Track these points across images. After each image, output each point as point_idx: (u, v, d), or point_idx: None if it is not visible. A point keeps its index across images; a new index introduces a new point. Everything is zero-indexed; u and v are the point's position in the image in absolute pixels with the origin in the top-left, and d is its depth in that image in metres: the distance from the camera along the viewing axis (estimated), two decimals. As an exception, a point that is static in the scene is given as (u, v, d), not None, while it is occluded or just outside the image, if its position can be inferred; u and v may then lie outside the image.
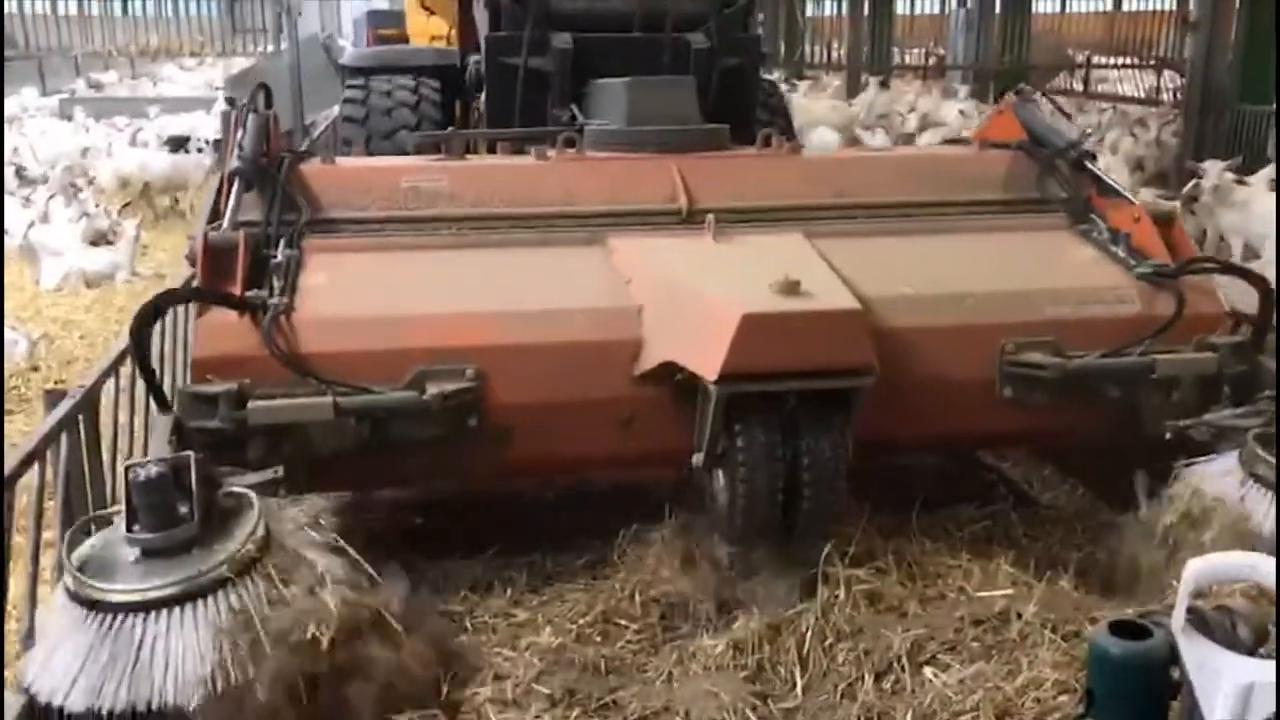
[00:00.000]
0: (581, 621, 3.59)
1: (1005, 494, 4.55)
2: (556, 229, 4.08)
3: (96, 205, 10.85)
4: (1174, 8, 17.61)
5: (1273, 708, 1.72)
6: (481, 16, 5.86)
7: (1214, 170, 8.98)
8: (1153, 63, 17.15)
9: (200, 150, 13.02)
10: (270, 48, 15.23)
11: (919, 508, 4.14)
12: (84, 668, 2.58)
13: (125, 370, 3.83)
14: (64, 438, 3.29)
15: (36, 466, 3.14)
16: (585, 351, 3.54)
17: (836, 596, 3.43)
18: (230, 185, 3.89)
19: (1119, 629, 1.95)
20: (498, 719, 3.01)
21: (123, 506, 2.83)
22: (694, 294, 3.48)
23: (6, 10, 17.21)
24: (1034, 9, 21.32)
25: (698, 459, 3.40)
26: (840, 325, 3.28)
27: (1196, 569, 1.88)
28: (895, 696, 3.14)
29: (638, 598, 3.70)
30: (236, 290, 3.46)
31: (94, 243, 9.98)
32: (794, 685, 3.24)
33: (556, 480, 4.60)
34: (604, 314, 3.64)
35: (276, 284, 3.53)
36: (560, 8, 5.39)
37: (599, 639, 3.50)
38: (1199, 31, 13.97)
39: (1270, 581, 1.85)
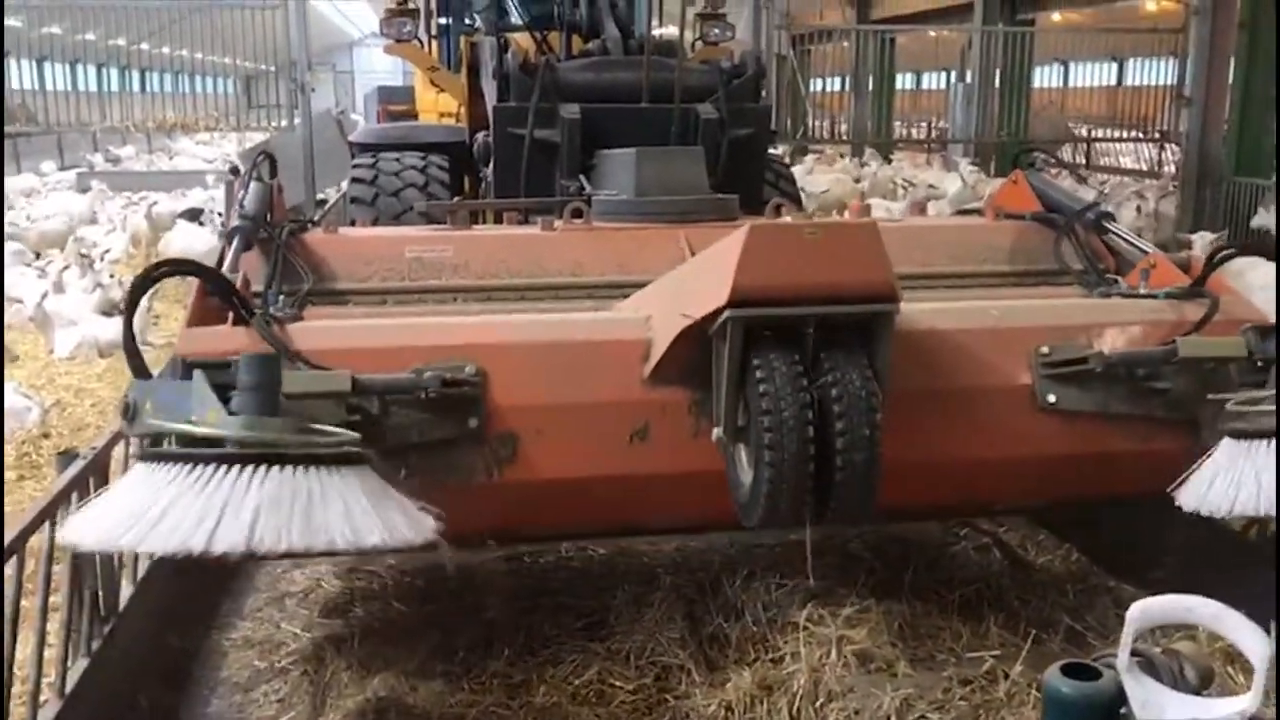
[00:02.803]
0: (577, 682, 3.64)
1: (1000, 558, 4.61)
2: (563, 299, 4.02)
3: (111, 276, 11.05)
4: (1173, 83, 17.93)
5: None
6: (490, 88, 5.85)
7: (1201, 243, 9.13)
8: (1156, 136, 17.39)
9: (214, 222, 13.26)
10: (284, 123, 15.52)
11: (913, 570, 4.22)
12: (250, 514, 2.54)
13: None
14: (75, 498, 3.37)
15: (47, 526, 3.22)
16: (592, 350, 3.39)
17: (828, 656, 3.48)
18: (229, 243, 3.84)
19: (1071, 670, 2.05)
20: (492, 775, 3.07)
21: (207, 399, 2.77)
22: (696, 261, 3.36)
23: (28, 87, 17.71)
24: (1035, 84, 21.72)
25: (717, 432, 3.14)
26: (854, 240, 3.06)
27: (1137, 612, 1.97)
28: (885, 755, 3.20)
29: (633, 659, 3.77)
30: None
31: (107, 313, 10.13)
32: (786, 745, 3.30)
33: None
34: (610, 320, 3.58)
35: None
36: (568, 79, 5.39)
37: (594, 699, 3.55)
38: (1193, 107, 14.25)
39: (1209, 623, 1.94)
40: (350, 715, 3.46)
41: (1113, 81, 26.37)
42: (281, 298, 3.73)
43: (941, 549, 4.59)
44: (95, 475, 3.54)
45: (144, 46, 30.43)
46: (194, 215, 13.83)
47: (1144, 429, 3.54)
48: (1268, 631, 1.87)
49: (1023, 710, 3.22)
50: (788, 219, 3.08)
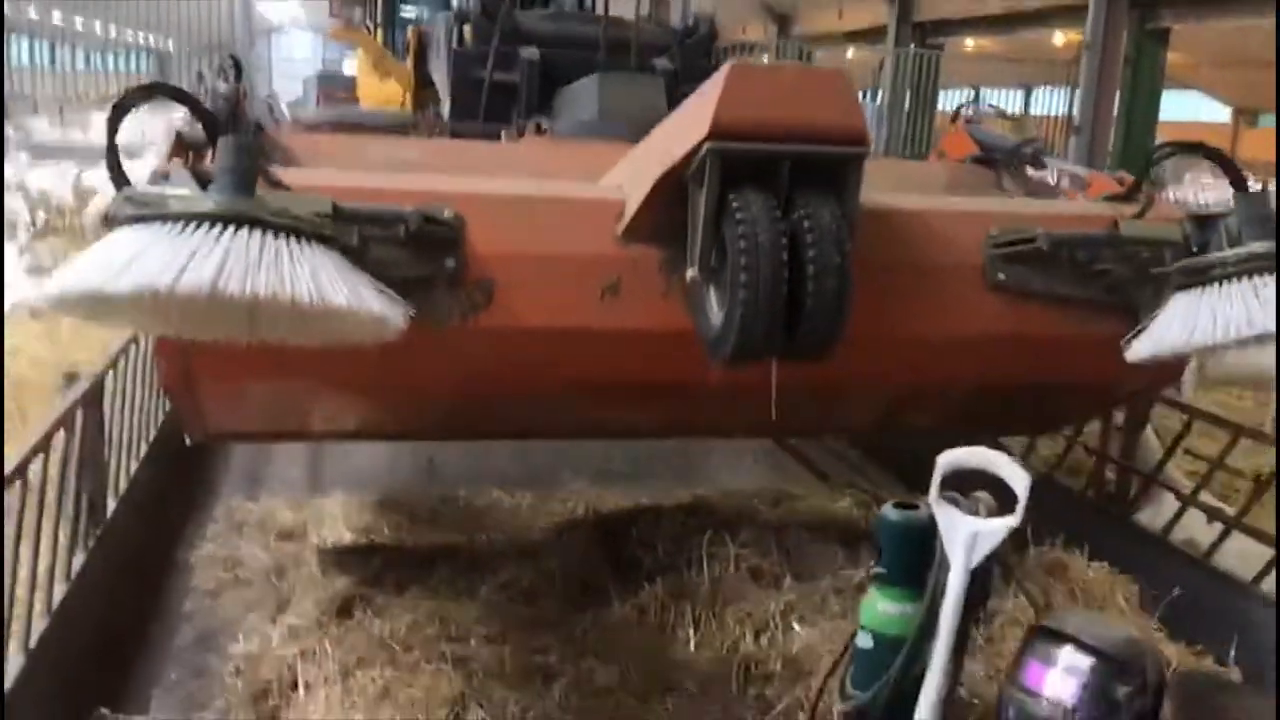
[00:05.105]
0: (512, 590, 4.21)
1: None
2: None
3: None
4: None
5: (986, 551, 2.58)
6: (440, 69, 6.04)
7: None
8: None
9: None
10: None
11: (804, 515, 4.92)
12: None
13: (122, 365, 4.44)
14: (79, 416, 3.75)
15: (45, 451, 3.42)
16: (567, 207, 3.45)
17: (726, 569, 4.14)
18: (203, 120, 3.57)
19: (899, 506, 2.78)
20: (447, 647, 3.65)
21: (184, 184, 2.77)
22: (670, 118, 3.42)
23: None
24: (946, 106, 22.86)
25: (692, 272, 3.17)
26: (829, 84, 3.16)
27: (945, 459, 2.66)
28: (771, 648, 3.86)
29: (559, 577, 4.32)
30: None
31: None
32: (689, 640, 3.95)
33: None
34: (585, 185, 3.68)
35: None
36: (528, 26, 5.65)
37: (525, 601, 4.13)
38: (1081, 135, 15.35)
39: (990, 465, 2.62)
40: (319, 603, 3.98)
41: (1020, 108, 27.75)
42: None
43: (830, 499, 5.31)
44: (91, 406, 3.92)
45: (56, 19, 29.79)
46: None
47: (1085, 313, 3.63)
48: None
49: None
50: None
